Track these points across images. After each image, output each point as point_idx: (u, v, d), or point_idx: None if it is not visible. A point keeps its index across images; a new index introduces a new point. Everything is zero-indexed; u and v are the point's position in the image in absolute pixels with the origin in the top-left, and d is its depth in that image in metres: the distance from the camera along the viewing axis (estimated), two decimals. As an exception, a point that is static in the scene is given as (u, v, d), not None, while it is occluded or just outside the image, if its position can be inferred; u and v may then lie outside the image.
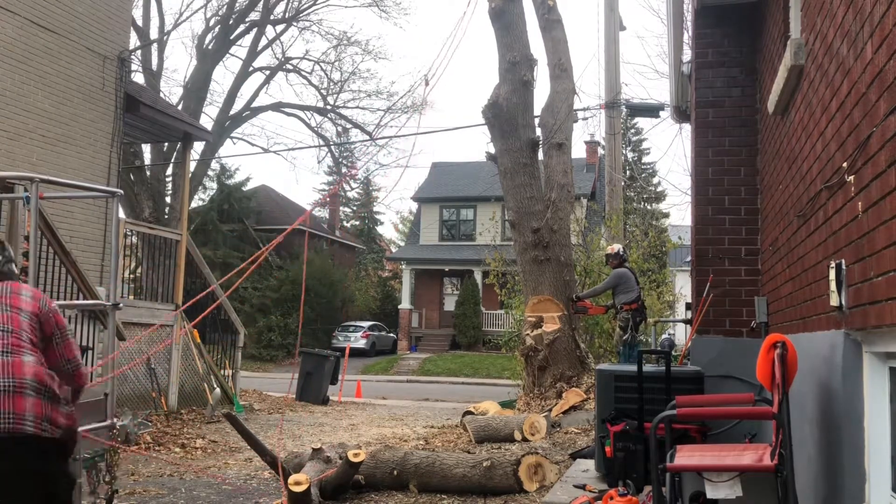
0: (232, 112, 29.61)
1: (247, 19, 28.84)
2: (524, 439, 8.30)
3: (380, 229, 50.12)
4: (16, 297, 2.89)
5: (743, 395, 3.77)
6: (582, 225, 17.39)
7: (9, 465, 2.54)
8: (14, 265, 3.17)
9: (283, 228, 33.58)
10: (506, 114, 10.77)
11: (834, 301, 3.08)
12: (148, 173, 24.38)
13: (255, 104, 31.08)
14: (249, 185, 34.70)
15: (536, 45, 14.60)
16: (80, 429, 3.63)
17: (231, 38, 28.65)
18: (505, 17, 10.98)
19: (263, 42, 29.90)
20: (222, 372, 12.67)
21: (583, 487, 4.95)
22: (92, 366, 9.36)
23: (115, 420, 3.93)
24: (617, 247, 10.41)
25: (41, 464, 2.60)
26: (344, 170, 37.71)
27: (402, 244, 41.59)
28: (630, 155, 38.56)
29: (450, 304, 32.56)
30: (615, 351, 12.31)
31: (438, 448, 8.25)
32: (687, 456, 3.34)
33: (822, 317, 3.42)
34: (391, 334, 32.84)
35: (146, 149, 24.64)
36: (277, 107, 31.47)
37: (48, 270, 8.43)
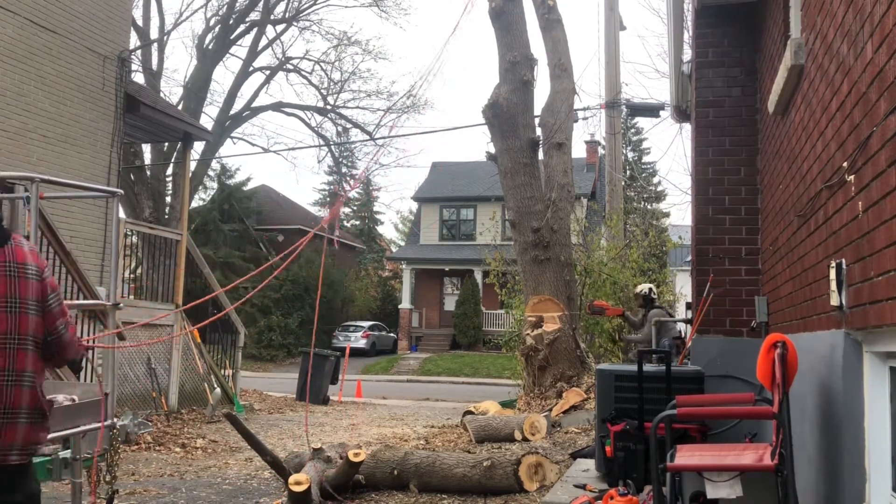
0: (232, 112, 29.62)
1: (247, 19, 28.85)
2: (524, 439, 8.30)
3: (380, 229, 50.16)
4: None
5: (743, 395, 3.77)
6: (582, 225, 17.39)
7: None
8: None
9: (283, 228, 33.29)
10: (506, 114, 10.77)
11: (834, 301, 3.08)
12: (148, 173, 24.39)
13: (255, 104, 31.11)
14: (250, 185, 34.74)
15: (536, 44, 14.61)
16: (80, 428, 3.64)
17: (231, 37, 28.66)
18: (505, 17, 10.98)
19: (263, 42, 29.92)
20: (222, 372, 12.68)
21: (583, 487, 4.95)
22: (92, 366, 9.37)
23: (115, 420, 3.92)
24: (643, 287, 9.77)
25: None
26: (347, 176, 37.71)
27: (402, 244, 41.59)
28: (630, 154, 38.57)
29: (450, 304, 32.57)
30: (618, 353, 12.30)
31: (439, 448, 8.25)
32: (687, 456, 3.34)
33: (822, 316, 3.42)
34: (391, 334, 32.85)
35: (146, 149, 24.65)
36: (278, 107, 31.48)
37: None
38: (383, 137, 33.59)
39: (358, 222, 48.82)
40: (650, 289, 9.67)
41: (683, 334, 9.26)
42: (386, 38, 67.90)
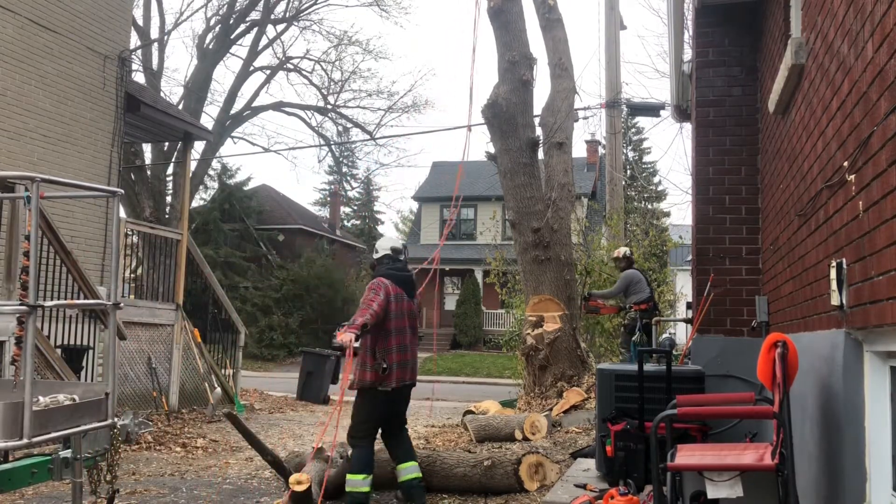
0: (232, 111, 29.62)
1: (247, 19, 28.85)
2: (525, 438, 8.30)
3: (380, 229, 50.16)
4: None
5: (744, 395, 3.77)
6: (583, 224, 17.39)
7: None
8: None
9: (284, 228, 33.35)
10: (505, 113, 10.75)
11: (835, 300, 3.08)
12: (149, 173, 24.40)
13: (255, 103, 31.10)
14: (250, 185, 34.74)
15: (536, 43, 14.60)
16: (80, 428, 3.64)
17: (231, 37, 28.66)
18: (504, 16, 10.96)
19: (264, 41, 29.92)
20: (223, 371, 12.68)
21: (583, 487, 4.95)
22: (93, 365, 9.38)
23: (115, 419, 3.92)
24: (623, 250, 10.88)
25: None
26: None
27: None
28: (631, 154, 38.59)
29: (450, 304, 32.58)
30: (618, 351, 12.34)
31: (439, 447, 8.24)
32: (687, 455, 3.34)
33: (822, 316, 3.42)
34: (392, 334, 32.81)
35: (147, 148, 24.66)
36: (278, 106, 31.48)
37: (49, 270, 8.43)
38: (384, 137, 33.58)
39: (358, 222, 48.82)
40: (629, 250, 10.95)
41: (678, 337, 9.73)
42: (386, 38, 67.97)
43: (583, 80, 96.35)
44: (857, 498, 2.81)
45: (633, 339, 9.50)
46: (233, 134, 30.67)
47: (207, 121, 28.64)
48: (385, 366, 5.35)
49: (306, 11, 30.37)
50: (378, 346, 5.39)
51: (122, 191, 4.77)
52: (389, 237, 5.85)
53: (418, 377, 5.76)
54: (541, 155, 11.43)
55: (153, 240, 12.02)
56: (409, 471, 5.51)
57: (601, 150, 27.87)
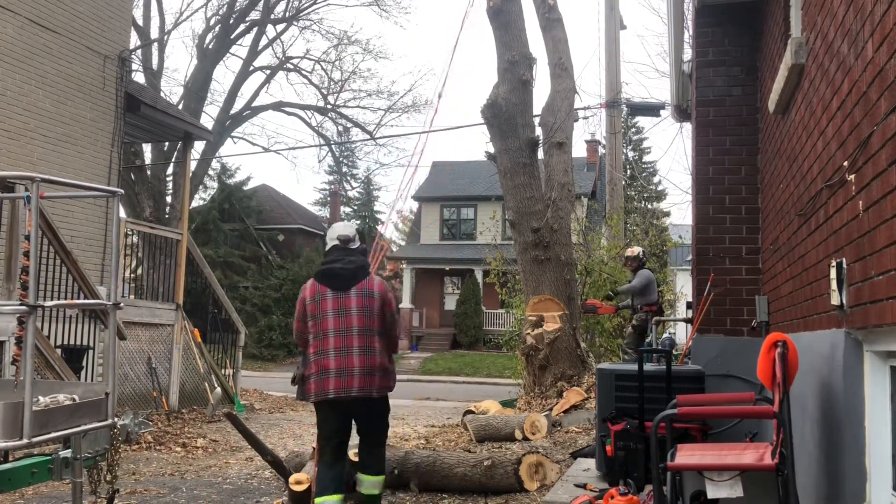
0: (232, 111, 29.62)
1: (247, 18, 28.84)
2: (525, 438, 8.30)
3: (380, 228, 50.11)
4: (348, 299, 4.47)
5: (744, 395, 3.77)
6: (582, 224, 17.39)
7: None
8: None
9: (284, 228, 33.41)
10: (505, 113, 10.75)
11: (835, 300, 3.08)
12: (148, 173, 24.39)
13: (255, 103, 31.10)
14: (250, 185, 34.74)
15: (535, 43, 14.59)
16: (80, 428, 3.64)
17: (231, 37, 28.66)
18: (503, 16, 10.96)
19: (264, 41, 29.92)
20: (223, 371, 12.68)
21: (583, 486, 4.95)
22: (93, 365, 9.38)
23: (115, 419, 3.92)
24: (637, 249, 10.86)
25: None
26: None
27: (403, 244, 41.60)
28: (631, 154, 38.59)
29: (450, 304, 32.56)
30: (621, 350, 12.37)
31: (439, 447, 8.24)
32: (687, 455, 3.34)
33: (822, 316, 3.42)
34: (392, 333, 32.79)
35: (147, 148, 24.65)
36: (278, 106, 31.47)
37: (49, 270, 8.43)
38: (384, 136, 33.55)
39: (358, 222, 48.77)
40: (642, 251, 10.84)
41: (675, 335, 9.83)
42: (386, 38, 68.01)
43: (583, 80, 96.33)
44: (857, 498, 2.81)
45: (647, 340, 9.54)
46: (233, 134, 30.69)
47: (207, 121, 28.65)
48: (295, 375, 4.68)
49: (306, 11, 30.39)
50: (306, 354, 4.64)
51: (122, 191, 4.77)
52: (337, 225, 4.73)
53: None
54: (541, 155, 11.43)
55: (153, 240, 12.02)
56: (370, 485, 4.65)
57: (601, 150, 27.85)
